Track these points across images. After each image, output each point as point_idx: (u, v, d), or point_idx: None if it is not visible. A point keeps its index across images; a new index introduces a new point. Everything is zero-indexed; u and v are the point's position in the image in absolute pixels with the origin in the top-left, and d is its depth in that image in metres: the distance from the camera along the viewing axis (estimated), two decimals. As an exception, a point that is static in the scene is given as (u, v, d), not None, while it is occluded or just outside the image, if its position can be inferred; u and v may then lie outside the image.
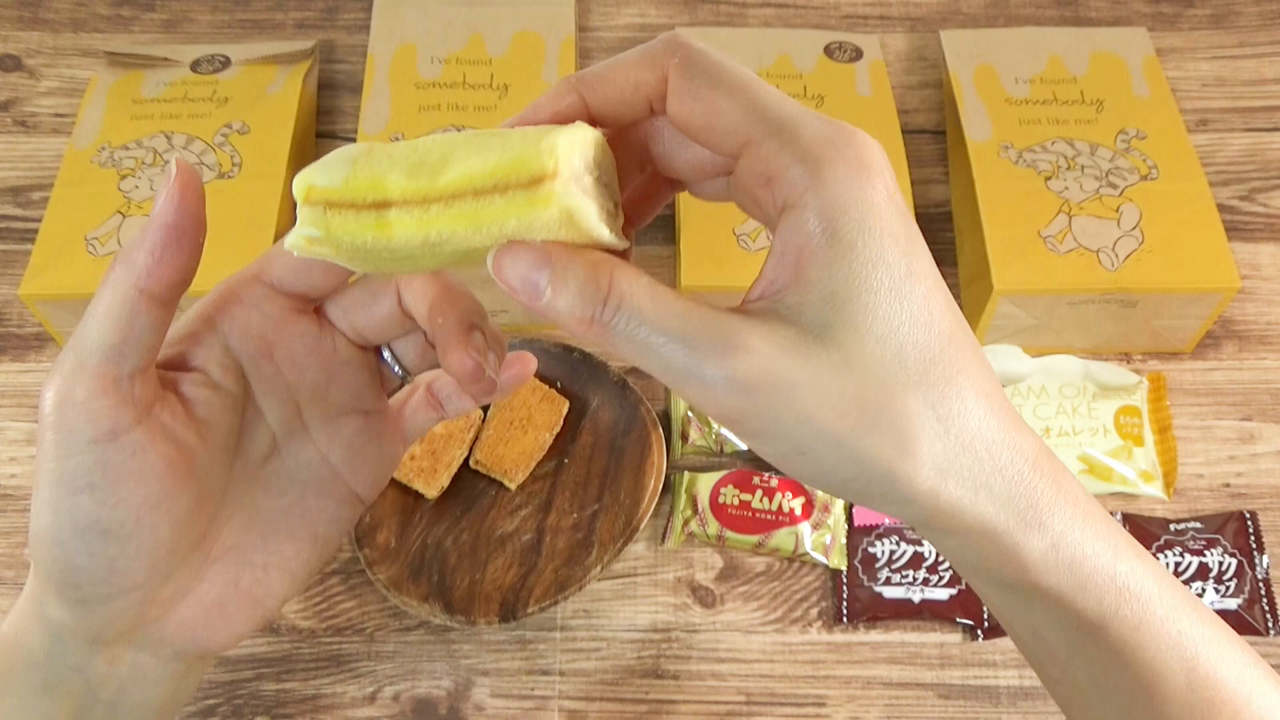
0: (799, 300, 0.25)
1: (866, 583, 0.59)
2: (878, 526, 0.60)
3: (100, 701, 0.31)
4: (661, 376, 0.25)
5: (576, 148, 0.24)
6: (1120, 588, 0.28)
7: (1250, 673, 0.30)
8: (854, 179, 0.24)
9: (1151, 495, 0.62)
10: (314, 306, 0.33)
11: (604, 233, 0.25)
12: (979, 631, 0.58)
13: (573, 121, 0.26)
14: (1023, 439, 0.27)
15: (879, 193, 0.24)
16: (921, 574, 0.59)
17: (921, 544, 0.60)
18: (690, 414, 0.63)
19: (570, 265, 0.24)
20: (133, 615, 0.30)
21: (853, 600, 0.59)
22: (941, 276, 0.27)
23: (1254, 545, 0.60)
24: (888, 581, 0.59)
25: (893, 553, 0.59)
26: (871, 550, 0.60)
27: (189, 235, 0.27)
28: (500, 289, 0.26)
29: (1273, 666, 0.58)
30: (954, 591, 0.58)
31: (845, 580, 0.59)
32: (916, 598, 0.58)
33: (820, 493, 0.60)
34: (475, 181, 0.24)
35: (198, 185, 0.28)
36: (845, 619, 0.58)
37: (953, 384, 0.25)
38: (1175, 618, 0.29)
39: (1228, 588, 0.58)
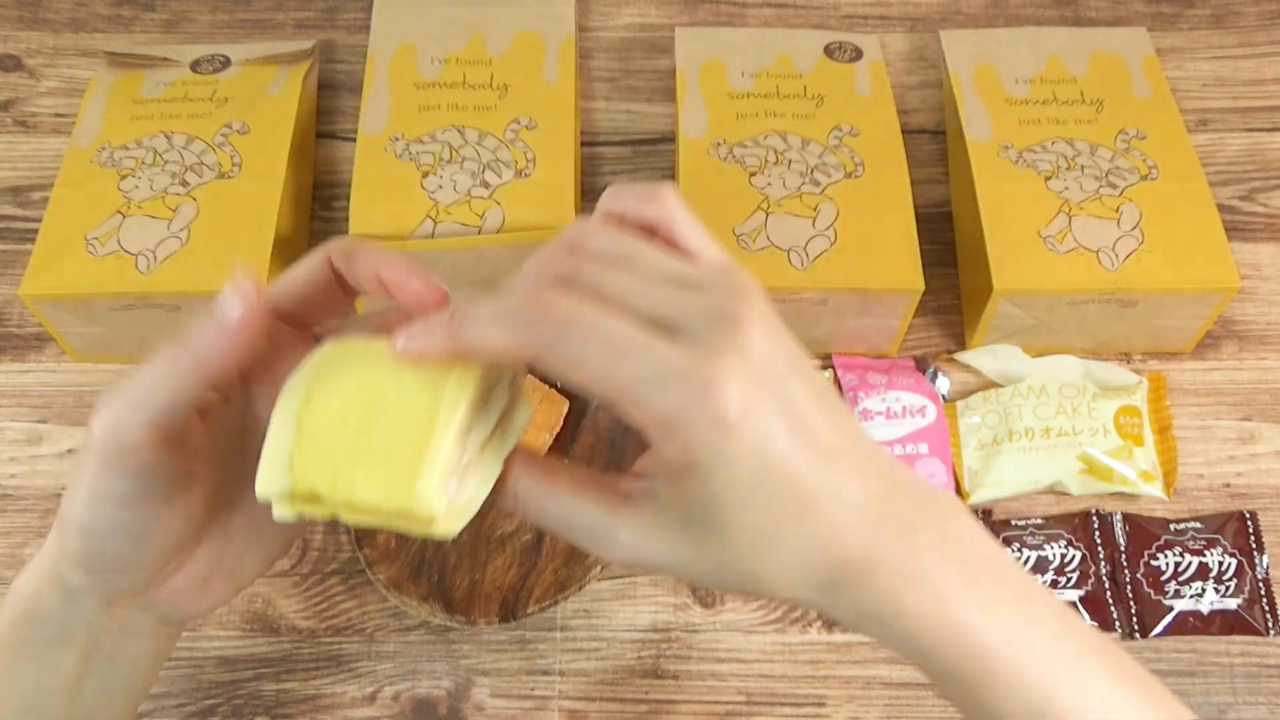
0: (669, 496, 0.30)
1: (866, 583, 0.59)
2: (878, 526, 0.60)
3: (102, 651, 0.36)
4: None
5: (445, 474, 0.29)
6: (965, 646, 0.30)
7: (1110, 700, 0.30)
8: (706, 447, 0.27)
9: (1151, 495, 0.62)
10: (312, 334, 0.36)
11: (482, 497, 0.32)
12: (979, 631, 0.58)
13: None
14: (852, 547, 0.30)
15: (730, 438, 0.27)
16: (921, 574, 0.59)
17: (921, 544, 0.60)
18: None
19: None
20: (140, 585, 0.35)
21: (853, 600, 0.59)
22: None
23: (1254, 545, 0.60)
24: (888, 581, 0.59)
25: (893, 553, 0.59)
26: (871, 550, 0.60)
27: (251, 342, 0.32)
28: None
29: (1271, 666, 0.58)
30: (954, 591, 0.58)
31: (845, 580, 0.59)
32: (916, 598, 0.58)
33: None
34: (379, 510, 0.30)
35: (263, 300, 0.32)
36: (845, 619, 0.58)
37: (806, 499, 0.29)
38: (1025, 668, 0.30)
39: (1228, 588, 0.58)
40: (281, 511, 0.31)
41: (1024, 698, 0.29)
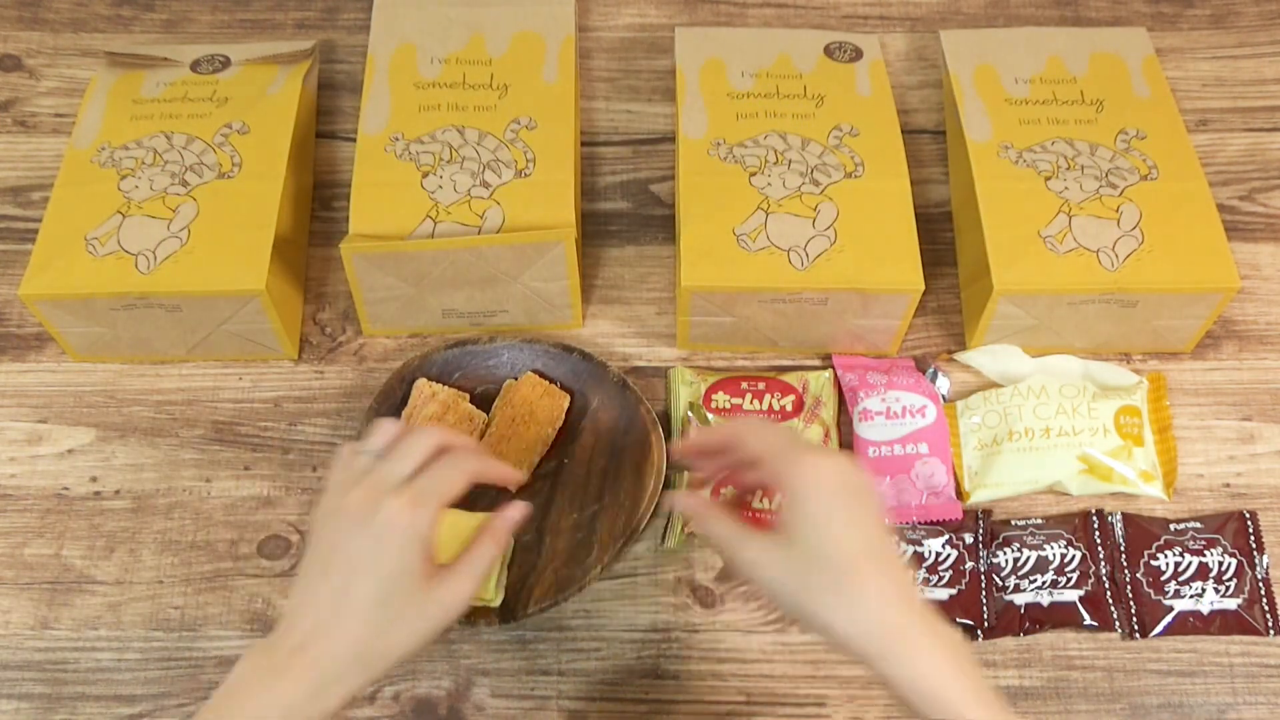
0: (784, 533, 0.45)
1: (866, 583, 0.59)
2: (878, 526, 0.60)
3: None
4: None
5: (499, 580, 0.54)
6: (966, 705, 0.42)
7: None
8: (812, 487, 0.44)
9: (1151, 495, 0.62)
10: None
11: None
12: (979, 631, 0.58)
13: None
14: (898, 616, 0.43)
15: (829, 487, 0.44)
16: (921, 574, 0.59)
17: (921, 544, 0.60)
18: (690, 414, 0.63)
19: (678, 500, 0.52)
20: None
21: (853, 600, 0.58)
22: (873, 516, 0.45)
23: (1254, 545, 0.60)
24: (888, 581, 0.59)
25: (893, 553, 0.59)
26: (871, 550, 0.60)
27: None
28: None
29: (1271, 666, 0.58)
30: (954, 591, 0.58)
31: (845, 580, 0.59)
32: (916, 598, 0.58)
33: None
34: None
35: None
36: (845, 619, 0.58)
37: (853, 578, 0.43)
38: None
39: (1227, 588, 0.58)
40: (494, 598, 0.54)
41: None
